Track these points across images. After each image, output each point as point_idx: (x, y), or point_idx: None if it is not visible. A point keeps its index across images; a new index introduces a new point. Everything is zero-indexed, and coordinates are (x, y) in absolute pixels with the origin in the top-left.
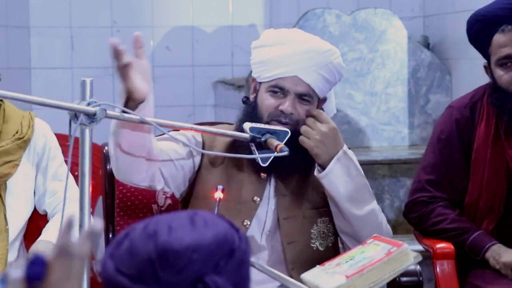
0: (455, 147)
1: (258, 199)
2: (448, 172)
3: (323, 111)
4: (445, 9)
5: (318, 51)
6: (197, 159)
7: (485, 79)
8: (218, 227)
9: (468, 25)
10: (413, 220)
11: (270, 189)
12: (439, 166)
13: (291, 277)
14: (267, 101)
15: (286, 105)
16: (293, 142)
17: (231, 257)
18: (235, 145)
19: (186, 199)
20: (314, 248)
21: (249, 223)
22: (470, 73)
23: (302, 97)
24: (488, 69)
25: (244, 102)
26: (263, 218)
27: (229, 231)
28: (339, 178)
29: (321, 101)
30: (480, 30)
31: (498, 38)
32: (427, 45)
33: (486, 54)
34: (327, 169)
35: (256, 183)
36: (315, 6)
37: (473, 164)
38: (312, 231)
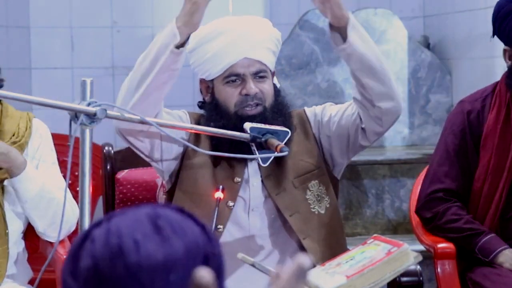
0: (467, 139)
1: (239, 179)
2: (461, 163)
3: (276, 85)
4: (446, 9)
5: (256, 27)
6: (184, 135)
7: (485, 79)
8: (187, 234)
9: (498, 7)
10: (427, 216)
11: (249, 169)
12: (452, 157)
13: (306, 246)
14: (228, 93)
15: (249, 87)
16: (266, 119)
17: (207, 263)
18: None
19: (171, 191)
20: (316, 213)
21: (232, 204)
22: (471, 73)
23: (258, 75)
24: (507, 52)
25: (201, 106)
26: (247, 197)
27: (200, 236)
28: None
29: (273, 75)
30: (510, 12)
31: None
32: (427, 45)
33: (510, 38)
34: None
35: (235, 165)
36: (315, 6)
37: (481, 150)
38: (307, 197)
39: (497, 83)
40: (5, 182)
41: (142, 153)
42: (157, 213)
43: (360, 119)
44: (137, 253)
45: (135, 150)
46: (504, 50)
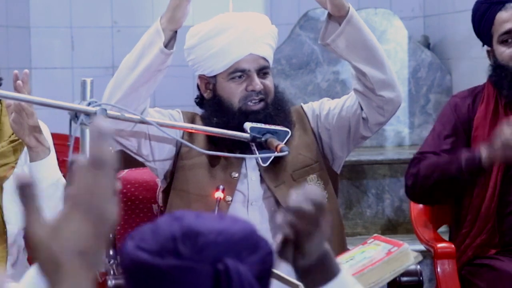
0: (457, 128)
1: (236, 174)
2: (448, 148)
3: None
4: (446, 9)
5: (258, 24)
6: (179, 135)
7: (485, 79)
8: (247, 224)
9: (474, 10)
10: (409, 183)
11: (246, 164)
12: (440, 141)
13: None
14: (233, 88)
15: (255, 83)
16: (269, 114)
17: (255, 252)
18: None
19: (167, 190)
20: None
21: (230, 198)
22: (471, 73)
23: (262, 72)
24: (490, 53)
25: (199, 103)
26: (245, 191)
27: (257, 232)
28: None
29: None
30: (485, 12)
31: (501, 14)
32: (427, 45)
33: (489, 38)
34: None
35: (232, 160)
36: (315, 6)
37: (473, 142)
38: None
39: (485, 83)
40: (25, 169)
41: (131, 151)
42: (224, 213)
43: (361, 109)
44: (195, 220)
45: (123, 149)
46: (487, 51)
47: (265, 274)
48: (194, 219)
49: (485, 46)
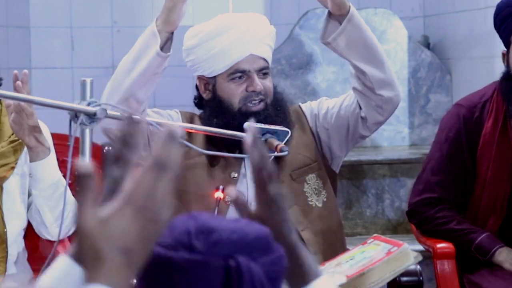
0: (463, 146)
1: (236, 174)
2: (456, 172)
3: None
4: (446, 9)
5: (258, 24)
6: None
7: (485, 79)
8: (261, 227)
9: (497, 9)
10: (417, 220)
11: (245, 164)
12: (447, 165)
13: (304, 238)
14: (233, 89)
15: (255, 84)
16: (269, 115)
17: (267, 253)
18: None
19: None
20: (313, 206)
21: (230, 199)
22: (471, 73)
23: (262, 72)
24: (505, 56)
25: (198, 104)
26: (244, 192)
27: (271, 236)
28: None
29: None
30: (508, 16)
31: None
32: (427, 45)
33: (507, 42)
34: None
35: (231, 161)
36: (315, 6)
37: (479, 159)
38: (305, 189)
39: (495, 86)
40: (25, 169)
41: None
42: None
43: (360, 108)
44: (210, 218)
45: None
46: (503, 54)
47: (276, 275)
48: (209, 218)
49: (503, 48)
